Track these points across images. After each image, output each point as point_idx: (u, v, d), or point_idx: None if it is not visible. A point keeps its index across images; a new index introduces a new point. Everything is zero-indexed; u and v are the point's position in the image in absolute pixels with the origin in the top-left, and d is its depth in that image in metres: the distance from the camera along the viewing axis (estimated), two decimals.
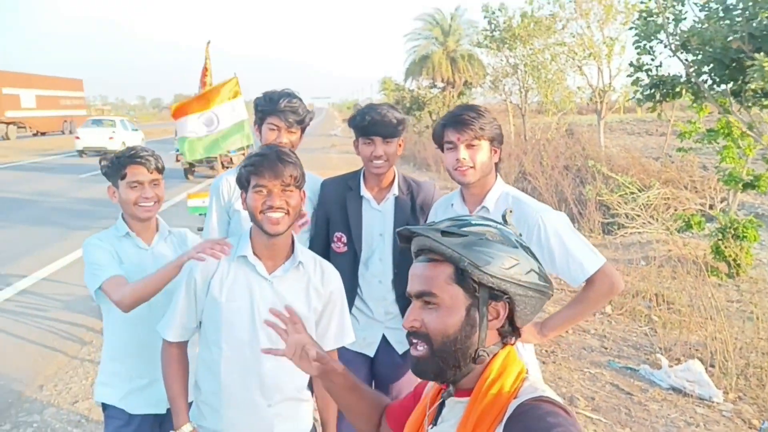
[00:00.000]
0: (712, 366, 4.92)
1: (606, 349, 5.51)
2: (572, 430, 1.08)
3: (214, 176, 14.83)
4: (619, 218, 9.99)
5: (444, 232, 1.23)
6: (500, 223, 1.30)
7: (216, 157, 9.87)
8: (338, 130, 43.36)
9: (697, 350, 5.35)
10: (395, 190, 2.66)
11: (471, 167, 2.18)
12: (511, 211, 1.35)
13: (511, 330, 1.28)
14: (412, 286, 1.27)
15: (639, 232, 9.79)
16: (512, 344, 1.29)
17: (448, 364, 1.23)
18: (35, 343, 4.96)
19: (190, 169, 16.13)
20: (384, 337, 2.65)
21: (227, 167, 12.92)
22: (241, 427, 1.99)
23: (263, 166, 1.88)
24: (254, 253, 1.97)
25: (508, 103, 20.42)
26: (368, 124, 2.52)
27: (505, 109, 20.84)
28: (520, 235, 1.31)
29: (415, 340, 1.25)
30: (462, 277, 1.22)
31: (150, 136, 41.76)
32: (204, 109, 5.05)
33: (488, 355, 1.24)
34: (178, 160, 15.71)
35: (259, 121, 2.66)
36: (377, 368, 2.72)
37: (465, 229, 1.24)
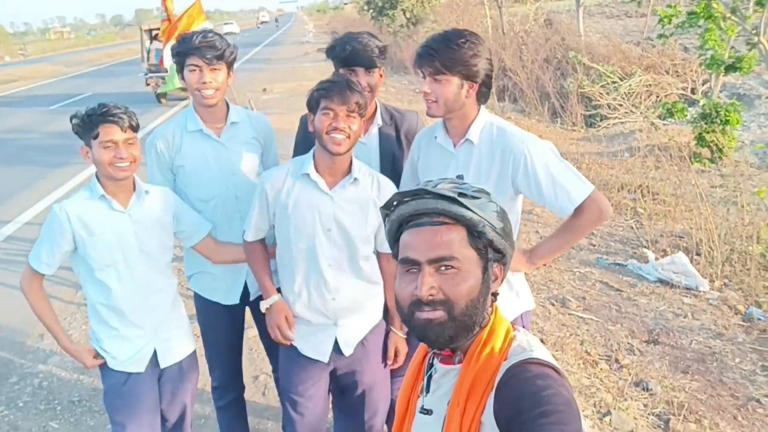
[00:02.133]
0: (698, 255, 5.04)
1: (594, 246, 5.61)
2: (561, 391, 1.09)
3: (187, 98, 14.36)
4: (602, 109, 9.93)
5: (461, 194, 1.19)
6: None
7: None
8: (310, 35, 41.93)
9: (682, 240, 5.47)
10: (378, 121, 2.57)
11: (434, 101, 2.09)
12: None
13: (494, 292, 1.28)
14: (424, 252, 1.19)
15: (622, 123, 9.77)
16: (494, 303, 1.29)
17: (466, 328, 1.20)
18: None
19: (162, 93, 15.62)
20: None
21: None
22: (309, 315, 2.31)
23: (333, 91, 2.10)
24: (317, 171, 2.20)
25: None
26: (349, 55, 2.40)
27: (481, 1, 20.13)
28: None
29: (429, 308, 1.19)
30: (476, 239, 1.20)
31: (114, 57, 40.39)
32: (172, 35, 4.86)
33: (487, 318, 1.23)
34: (148, 84, 15.20)
35: (180, 67, 2.46)
36: None
37: (473, 191, 1.22)
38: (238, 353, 2.83)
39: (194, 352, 2.50)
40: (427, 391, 1.30)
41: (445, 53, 2.02)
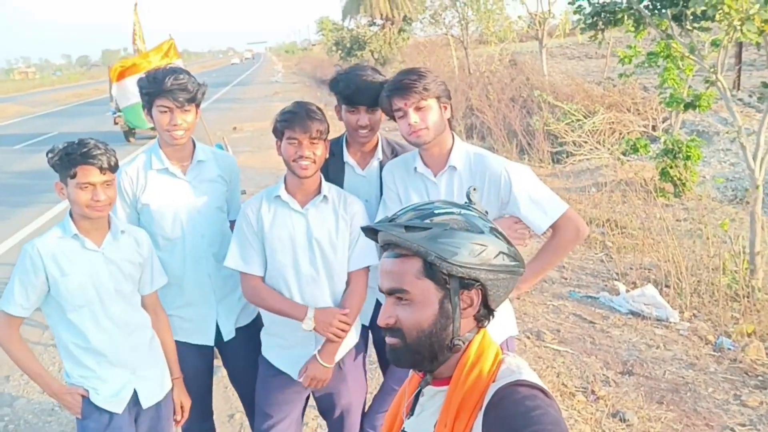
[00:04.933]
0: (667, 287, 5.14)
1: (566, 279, 5.68)
2: (550, 411, 1.11)
3: (155, 137, 14.41)
4: (568, 146, 10.16)
5: (407, 227, 1.21)
6: (465, 206, 1.29)
7: None
8: (279, 75, 42.27)
9: (651, 272, 5.58)
10: (379, 154, 2.60)
11: (424, 128, 2.18)
12: (474, 189, 1.35)
13: (486, 312, 1.29)
14: (383, 283, 1.26)
15: (587, 159, 10.00)
16: (486, 326, 1.30)
17: (424, 356, 1.24)
18: None
19: (130, 131, 15.47)
20: (378, 302, 2.62)
21: None
22: (289, 331, 2.38)
23: (294, 122, 2.23)
24: (287, 193, 2.33)
25: (449, 36, 20.20)
26: (352, 93, 2.42)
27: (447, 42, 20.63)
28: (486, 213, 1.31)
29: (389, 335, 1.25)
30: (431, 270, 1.21)
31: (81, 97, 40.03)
32: (142, 70, 4.83)
33: (464, 343, 1.25)
34: (116, 123, 15.06)
35: (148, 105, 2.44)
36: (374, 336, 2.71)
37: (428, 220, 1.22)
38: (207, 393, 2.77)
39: (171, 391, 2.45)
40: (411, 414, 1.31)
41: (420, 81, 2.15)
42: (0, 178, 12.52)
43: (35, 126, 22.91)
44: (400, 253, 1.23)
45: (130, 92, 4.71)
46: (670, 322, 4.67)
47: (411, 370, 1.36)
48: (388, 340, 1.26)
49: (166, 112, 2.39)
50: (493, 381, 1.20)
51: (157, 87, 2.37)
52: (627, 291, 5.13)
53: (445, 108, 2.24)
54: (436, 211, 1.24)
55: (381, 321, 1.25)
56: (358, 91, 2.41)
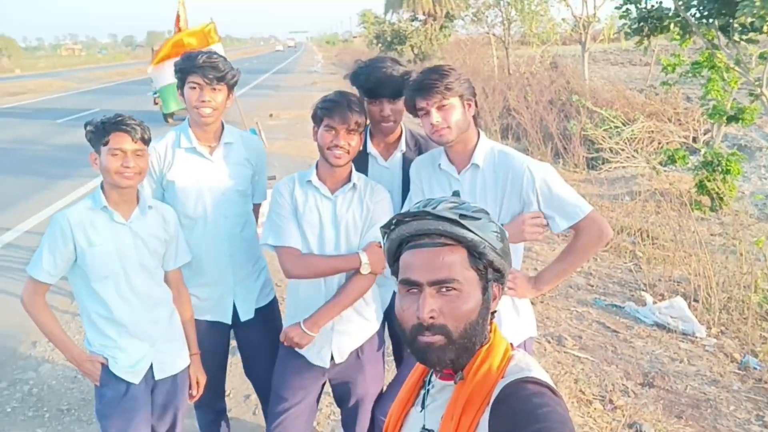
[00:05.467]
0: (696, 301, 5.03)
1: (592, 286, 5.61)
2: (557, 409, 1.10)
3: None
4: (604, 153, 10.00)
5: (462, 216, 1.20)
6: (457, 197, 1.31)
7: None
8: (318, 66, 42.47)
9: (680, 285, 5.47)
10: (402, 146, 2.60)
11: (446, 127, 2.17)
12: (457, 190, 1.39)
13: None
14: (425, 274, 1.19)
15: (623, 167, 9.84)
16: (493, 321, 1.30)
17: (466, 350, 1.20)
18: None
19: (169, 113, 15.74)
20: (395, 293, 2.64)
21: None
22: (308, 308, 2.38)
23: (334, 110, 2.26)
24: (319, 179, 2.36)
25: (491, 35, 20.03)
26: (374, 86, 2.44)
27: (488, 41, 20.46)
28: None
29: (430, 333, 1.18)
30: (477, 260, 1.20)
31: (125, 76, 40.76)
32: (179, 53, 4.88)
33: (488, 336, 1.24)
34: (156, 103, 15.30)
35: (180, 83, 2.50)
36: (389, 326, 2.70)
37: (473, 211, 1.22)
38: (220, 371, 2.80)
39: (188, 366, 2.49)
40: (423, 407, 1.30)
41: (441, 81, 2.13)
42: (41, 150, 12.85)
43: (78, 102, 23.42)
44: (444, 243, 1.20)
45: (166, 74, 4.76)
46: (696, 337, 4.58)
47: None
48: (429, 338, 1.18)
49: (195, 88, 2.44)
50: (502, 377, 1.19)
51: (189, 64, 2.44)
52: (654, 302, 5.04)
53: (469, 106, 2.22)
54: (463, 204, 1.24)
55: (425, 314, 1.16)
56: (379, 83, 2.42)
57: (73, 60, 76.78)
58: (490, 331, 1.27)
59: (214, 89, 2.45)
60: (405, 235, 1.23)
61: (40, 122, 17.40)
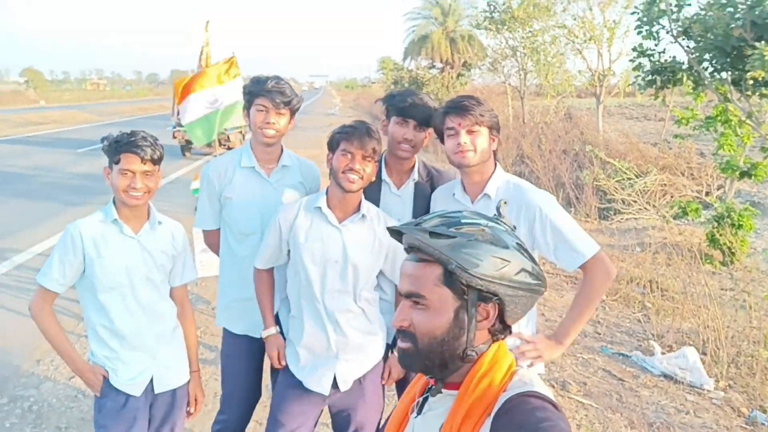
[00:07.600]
0: (704, 354, 4.96)
1: (599, 334, 5.55)
2: (560, 424, 1.09)
3: (212, 153, 14.75)
4: (616, 204, 10.01)
5: (432, 233, 1.21)
6: (493, 219, 1.28)
7: None
8: (336, 108, 43.09)
9: (689, 337, 5.40)
10: (415, 175, 2.66)
11: (471, 150, 2.24)
12: (505, 203, 1.34)
13: (501, 328, 1.28)
14: (402, 285, 1.27)
15: (635, 218, 9.82)
16: (503, 340, 1.29)
17: (434, 363, 1.24)
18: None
19: (187, 146, 15.98)
20: None
21: (225, 146, 12.84)
22: (312, 344, 2.39)
23: (353, 135, 2.29)
24: (328, 206, 2.35)
25: (507, 85, 20.32)
26: (408, 106, 2.52)
27: (504, 91, 20.74)
28: (514, 228, 1.30)
29: (402, 338, 1.26)
30: (451, 279, 1.20)
31: (146, 111, 41.55)
32: (203, 87, 5.02)
33: (476, 354, 1.24)
34: (174, 137, 15.57)
35: (248, 104, 2.64)
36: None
37: (454, 229, 1.21)
38: (254, 393, 2.80)
39: (188, 383, 2.50)
40: (419, 413, 1.31)
41: (477, 108, 2.22)
42: (59, 177, 13.06)
43: (99, 133, 23.37)
44: (422, 258, 1.24)
45: (191, 110, 4.93)
46: (704, 389, 4.50)
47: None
48: (400, 343, 1.26)
49: (262, 111, 2.56)
50: (504, 391, 1.19)
51: (259, 87, 2.56)
52: (662, 353, 4.97)
53: (494, 140, 2.30)
54: (462, 221, 1.24)
55: (395, 322, 1.26)
56: (413, 106, 2.51)
57: (98, 94, 78.47)
58: (488, 348, 1.27)
59: (280, 113, 2.58)
60: (405, 246, 1.30)
61: (60, 151, 17.72)
